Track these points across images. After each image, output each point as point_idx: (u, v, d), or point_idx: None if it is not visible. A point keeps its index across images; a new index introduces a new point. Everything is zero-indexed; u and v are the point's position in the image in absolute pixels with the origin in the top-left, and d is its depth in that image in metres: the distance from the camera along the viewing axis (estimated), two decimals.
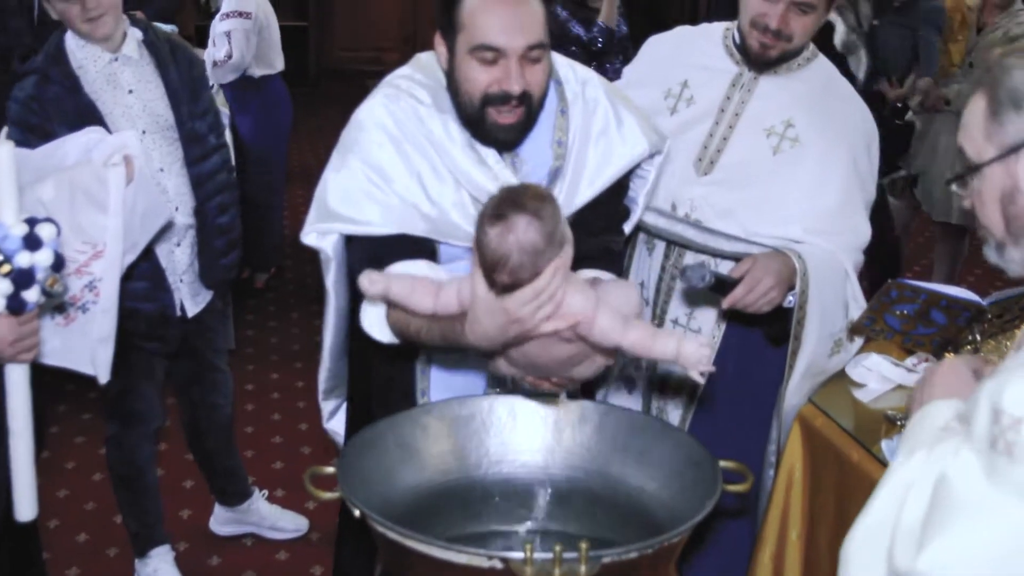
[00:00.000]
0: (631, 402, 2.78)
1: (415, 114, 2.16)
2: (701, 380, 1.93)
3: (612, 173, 2.28)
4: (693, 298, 2.64)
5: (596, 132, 2.25)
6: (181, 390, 3.49)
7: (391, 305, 2.06)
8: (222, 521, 3.72)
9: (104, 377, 2.53)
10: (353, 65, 11.63)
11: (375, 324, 2.15)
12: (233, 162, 3.45)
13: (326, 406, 2.60)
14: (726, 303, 2.37)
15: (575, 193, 2.24)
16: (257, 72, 5.67)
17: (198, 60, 3.27)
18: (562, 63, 2.28)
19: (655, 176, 2.40)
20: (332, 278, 2.31)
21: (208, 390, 3.43)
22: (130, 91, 3.02)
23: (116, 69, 3.00)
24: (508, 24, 2.01)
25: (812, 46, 2.61)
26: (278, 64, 5.81)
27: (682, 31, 2.80)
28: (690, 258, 2.61)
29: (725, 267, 2.56)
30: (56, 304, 2.30)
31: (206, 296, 3.24)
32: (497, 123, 2.09)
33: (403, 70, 2.28)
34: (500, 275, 1.84)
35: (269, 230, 5.98)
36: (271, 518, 3.70)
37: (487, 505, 2.33)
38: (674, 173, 2.56)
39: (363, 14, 11.78)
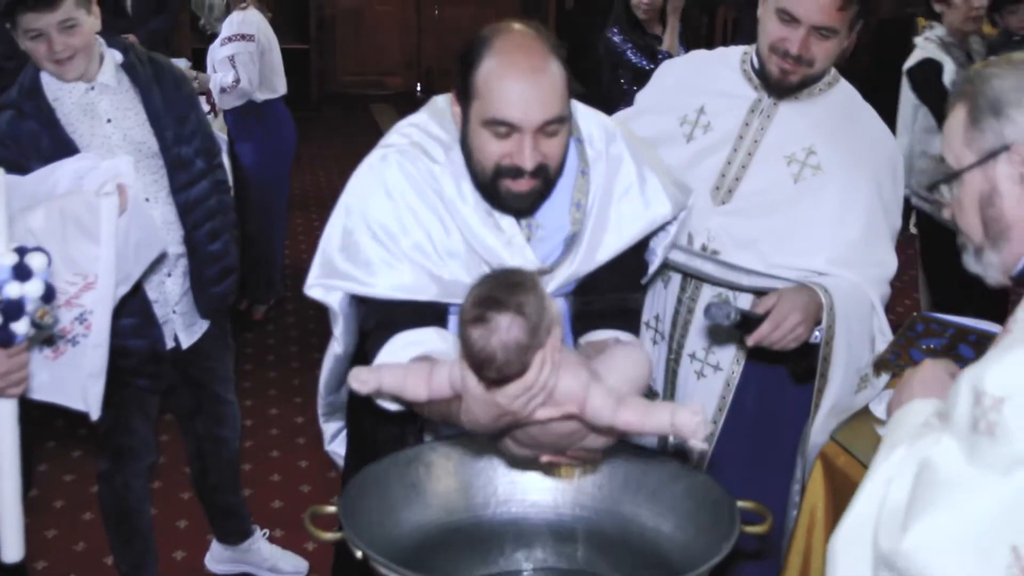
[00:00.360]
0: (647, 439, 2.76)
1: (428, 172, 2.14)
2: (701, 446, 1.90)
3: (632, 235, 2.27)
4: (715, 335, 2.62)
5: (619, 192, 2.24)
6: (184, 423, 3.47)
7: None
8: (219, 559, 3.70)
9: (95, 413, 2.52)
10: (356, 89, 11.71)
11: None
12: (232, 190, 3.45)
13: (327, 428, 2.59)
14: (751, 340, 2.36)
15: (593, 254, 2.24)
16: (260, 96, 5.69)
17: (186, 80, 3.23)
18: (587, 117, 2.26)
19: (677, 230, 2.40)
20: (340, 329, 2.31)
21: (213, 423, 3.41)
22: (108, 120, 2.97)
23: (93, 99, 2.96)
24: (524, 98, 1.98)
25: (834, 70, 2.59)
26: (280, 88, 5.84)
27: (698, 55, 2.80)
28: (708, 291, 2.60)
29: (744, 301, 2.55)
30: (45, 337, 2.29)
31: (202, 326, 3.23)
32: (511, 191, 2.07)
33: (419, 117, 2.26)
34: (487, 373, 1.84)
35: (269, 261, 5.99)
36: (271, 559, 3.68)
37: (494, 546, 2.32)
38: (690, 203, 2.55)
39: (366, 37, 11.84)
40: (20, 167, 2.76)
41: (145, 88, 3.01)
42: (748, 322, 2.35)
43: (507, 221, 2.16)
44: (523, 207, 2.12)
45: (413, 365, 2.02)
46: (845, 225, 2.53)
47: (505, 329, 1.81)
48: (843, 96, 2.63)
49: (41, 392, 2.45)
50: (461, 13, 11.65)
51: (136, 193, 2.61)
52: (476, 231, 2.13)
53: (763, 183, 2.54)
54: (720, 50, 2.75)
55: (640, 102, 2.78)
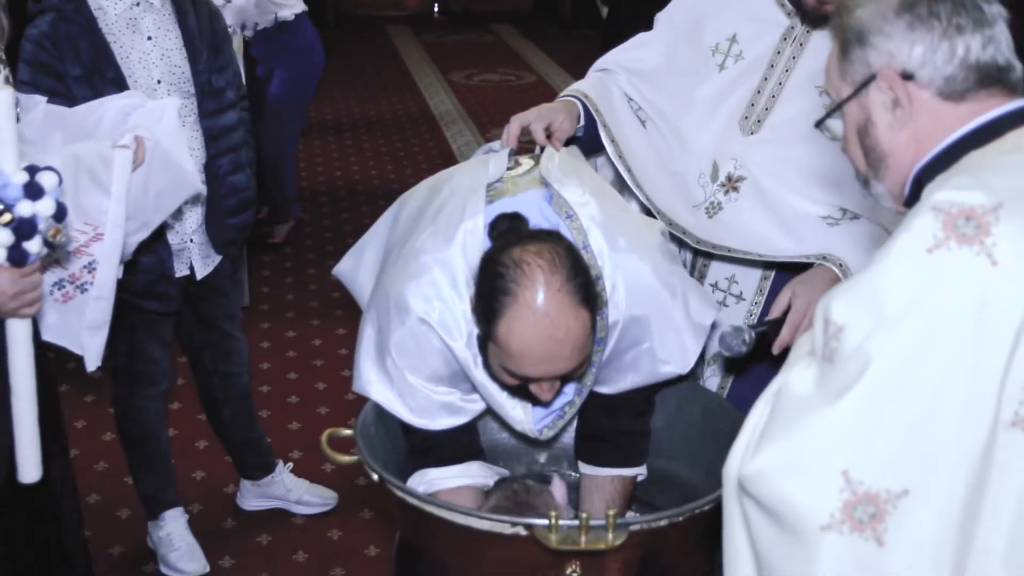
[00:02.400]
0: None
1: (448, 348, 2.07)
2: None
3: (636, 385, 2.21)
4: (733, 363, 2.57)
5: (633, 347, 2.15)
6: (194, 357, 3.48)
7: None
8: (248, 496, 3.71)
9: (92, 365, 2.50)
10: (372, 11, 11.64)
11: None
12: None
13: None
14: (776, 349, 2.29)
15: (598, 388, 2.21)
16: (285, 13, 5.63)
17: (219, 13, 3.24)
18: (615, 276, 2.10)
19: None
20: None
21: (221, 358, 3.42)
22: (149, 37, 2.99)
23: (137, 14, 2.98)
24: (544, 362, 1.91)
25: None
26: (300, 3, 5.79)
27: None
28: (716, 267, 2.56)
29: (751, 278, 2.53)
30: (57, 257, 2.29)
31: (216, 258, 3.22)
32: (528, 397, 2.06)
33: (460, 277, 2.07)
34: None
35: (281, 183, 5.98)
36: (297, 492, 3.69)
37: (511, 468, 2.37)
38: (714, 130, 2.49)
39: None
40: (57, 74, 2.80)
41: (183, 13, 3.04)
42: (766, 336, 2.28)
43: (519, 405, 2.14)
44: (538, 404, 2.10)
45: None
46: None
47: None
48: None
49: (49, 333, 2.45)
50: None
51: (173, 138, 2.60)
52: (488, 393, 2.11)
53: (794, 113, 2.46)
54: None
55: (666, 21, 2.64)
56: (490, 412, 2.22)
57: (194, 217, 3.12)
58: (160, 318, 3.17)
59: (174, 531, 3.39)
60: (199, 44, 3.05)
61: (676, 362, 2.17)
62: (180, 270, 3.13)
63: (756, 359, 2.46)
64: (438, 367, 2.10)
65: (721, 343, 2.23)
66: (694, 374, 2.42)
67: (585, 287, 1.92)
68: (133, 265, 2.86)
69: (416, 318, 2.05)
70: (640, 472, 2.29)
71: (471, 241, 2.04)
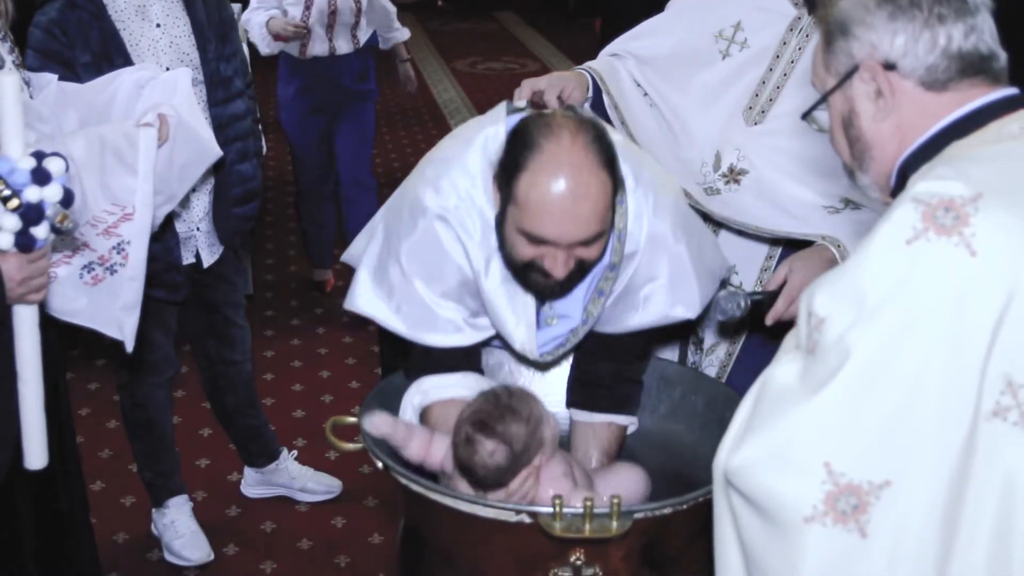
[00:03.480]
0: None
1: (464, 246, 2.10)
2: None
3: (643, 325, 2.21)
4: (726, 328, 2.57)
5: (648, 282, 2.16)
6: (197, 345, 3.50)
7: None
8: (251, 483, 3.73)
9: (130, 345, 2.52)
10: None
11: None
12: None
13: None
14: (770, 320, 2.29)
15: (602, 326, 2.22)
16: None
17: (226, 2, 3.24)
18: (639, 206, 2.13)
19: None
20: None
21: (225, 346, 3.43)
22: (158, 25, 3.00)
23: (146, 2, 2.99)
24: (561, 221, 1.91)
25: None
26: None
27: None
28: (723, 234, 2.56)
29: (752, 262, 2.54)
30: (66, 243, 2.29)
31: (219, 245, 3.23)
32: (539, 282, 2.03)
33: (474, 162, 2.11)
34: (469, 480, 2.00)
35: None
36: (301, 479, 3.70)
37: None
38: (717, 119, 2.49)
39: None
40: (65, 59, 2.81)
41: (192, 1, 3.05)
42: (761, 305, 2.29)
43: (527, 303, 2.12)
44: (549, 297, 2.10)
45: (419, 429, 2.12)
46: None
47: (488, 454, 1.96)
48: None
49: (79, 317, 2.46)
50: None
51: (189, 108, 2.60)
52: (495, 307, 2.12)
53: (799, 105, 2.43)
54: None
55: (679, 6, 2.65)
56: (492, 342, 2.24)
57: (201, 206, 3.13)
58: (165, 306, 3.18)
59: (178, 519, 3.40)
60: (208, 32, 3.06)
61: (687, 305, 2.19)
62: (187, 258, 3.14)
63: (751, 329, 2.49)
64: (449, 274, 2.12)
65: (716, 307, 2.25)
66: (700, 345, 2.45)
67: (609, 154, 1.95)
68: None
69: (433, 215, 2.09)
70: (632, 422, 2.29)
71: (492, 144, 2.06)
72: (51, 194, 2.00)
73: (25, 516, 2.53)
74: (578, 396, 2.31)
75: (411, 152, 7.47)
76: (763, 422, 1.48)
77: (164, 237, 2.97)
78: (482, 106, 8.49)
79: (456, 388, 2.16)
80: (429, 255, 2.11)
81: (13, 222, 1.98)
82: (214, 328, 3.39)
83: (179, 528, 3.39)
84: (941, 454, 1.38)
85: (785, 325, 2.36)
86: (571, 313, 2.16)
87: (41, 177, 1.99)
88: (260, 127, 3.43)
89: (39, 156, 2.00)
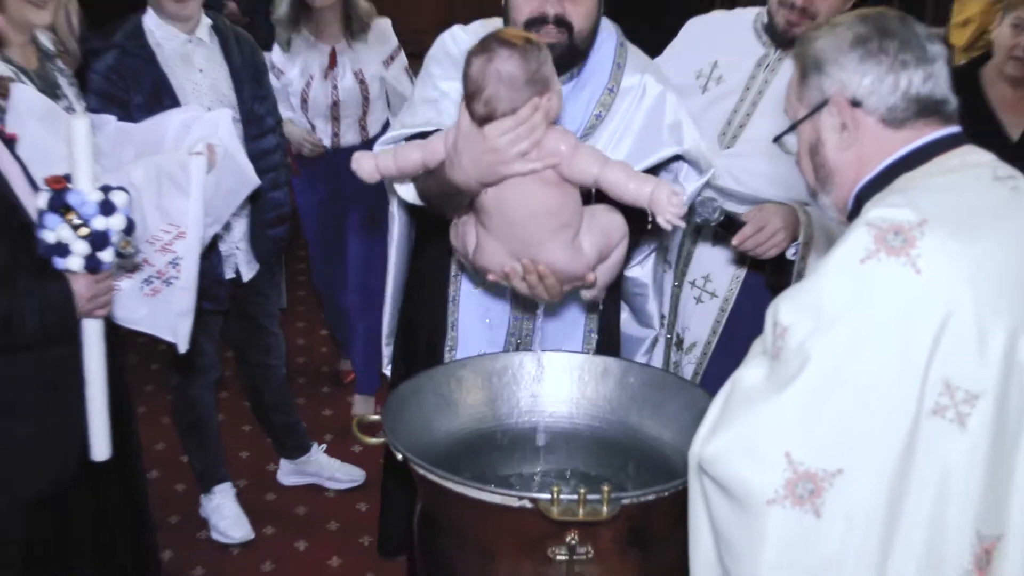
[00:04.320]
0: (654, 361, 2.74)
1: (456, 45, 2.16)
2: (668, 227, 1.84)
3: (653, 160, 2.19)
4: (703, 261, 2.58)
5: (650, 123, 2.18)
6: (239, 352, 3.50)
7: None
8: (287, 472, 3.72)
9: (184, 346, 2.52)
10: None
11: (408, 193, 2.14)
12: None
13: (387, 351, 2.55)
14: (735, 240, 2.32)
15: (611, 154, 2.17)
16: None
17: (259, 49, 3.25)
18: (636, 55, 2.22)
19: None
20: (395, 204, 2.34)
21: (263, 352, 3.42)
22: (200, 70, 3.02)
23: (190, 50, 3.01)
24: None
25: None
26: None
27: (717, 15, 2.74)
28: (709, 229, 2.56)
29: (724, 276, 2.55)
30: (128, 266, 2.30)
31: (255, 263, 3.23)
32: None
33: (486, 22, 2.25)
34: (478, 104, 1.81)
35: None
36: (329, 469, 3.69)
37: (516, 450, 2.32)
38: None
39: (405, 2, 11.80)
40: (121, 101, 2.83)
41: (229, 49, 3.07)
42: (732, 223, 2.31)
43: None
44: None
45: (404, 143, 2.04)
46: None
47: (503, 59, 1.78)
48: None
49: (141, 324, 2.47)
50: None
51: (231, 142, 2.61)
52: None
53: (764, 130, 2.47)
54: (737, 10, 2.67)
55: (666, 53, 2.70)
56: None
57: (240, 228, 3.13)
58: (211, 317, 3.18)
59: (223, 503, 3.40)
60: (243, 76, 3.07)
61: (680, 139, 2.21)
62: (228, 274, 3.14)
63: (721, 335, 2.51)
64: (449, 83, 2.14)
65: (695, 211, 2.26)
66: (677, 348, 2.47)
67: None
68: None
69: (449, 32, 2.19)
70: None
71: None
72: (116, 223, 2.01)
73: (92, 502, 2.53)
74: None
75: None
76: (732, 417, 1.49)
77: (210, 256, 2.98)
78: None
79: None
80: (450, 59, 2.15)
81: (83, 247, 1.99)
82: (253, 336, 3.39)
83: (224, 511, 3.38)
84: (888, 447, 1.39)
85: (753, 332, 2.38)
86: (577, 115, 2.16)
87: (107, 208, 2.00)
88: (289, 159, 3.44)
89: (106, 189, 2.01)
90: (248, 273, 3.20)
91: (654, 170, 2.20)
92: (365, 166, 1.98)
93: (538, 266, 1.92)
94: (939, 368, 1.38)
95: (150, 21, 2.97)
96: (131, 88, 2.87)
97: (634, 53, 2.24)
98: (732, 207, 2.48)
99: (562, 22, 2.04)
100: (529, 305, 2.24)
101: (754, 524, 1.43)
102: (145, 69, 2.90)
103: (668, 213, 1.80)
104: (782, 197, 2.45)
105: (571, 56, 2.10)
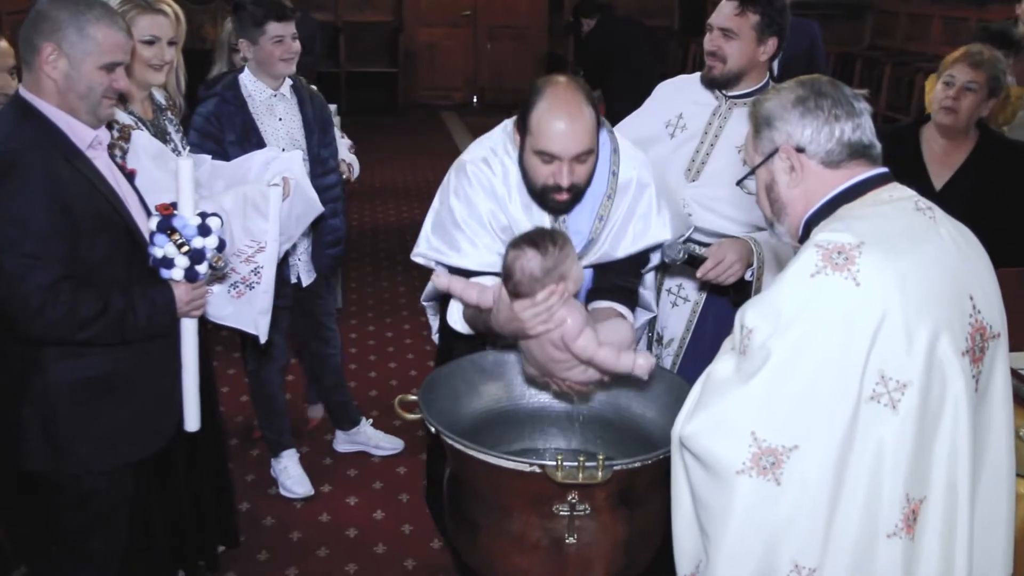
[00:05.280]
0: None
1: (489, 181, 2.15)
2: (644, 378, 1.99)
3: (642, 246, 2.26)
4: (675, 270, 2.60)
5: (639, 213, 2.21)
6: (303, 344, 3.51)
7: (465, 305, 2.14)
8: (341, 442, 3.71)
9: (264, 338, 2.55)
10: (430, 100, 11.63)
11: (455, 318, 2.21)
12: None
13: (433, 323, 2.58)
14: (699, 273, 2.33)
15: (611, 253, 2.23)
16: None
17: (327, 106, 3.27)
18: (628, 158, 2.23)
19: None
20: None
21: (322, 344, 3.44)
22: (280, 119, 3.05)
23: (274, 102, 3.04)
24: (563, 137, 1.98)
25: (770, 82, 2.53)
26: None
27: (681, 78, 2.75)
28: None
29: (693, 286, 2.56)
30: (219, 276, 2.32)
31: (314, 273, 3.26)
32: (554, 199, 2.09)
33: (492, 138, 2.22)
34: (509, 285, 1.93)
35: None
36: (375, 439, 3.69)
37: (526, 427, 2.34)
38: (669, 182, 2.52)
39: (439, 62, 11.76)
40: (218, 140, 2.89)
41: (304, 104, 3.10)
42: (695, 260, 2.33)
43: (543, 218, 2.16)
44: (560, 209, 2.14)
45: (474, 281, 2.10)
46: None
47: (528, 258, 1.89)
48: None
49: (228, 320, 2.49)
50: (505, 47, 11.65)
51: (302, 177, 2.65)
52: (520, 224, 2.14)
53: (721, 165, 2.51)
54: (696, 73, 2.68)
55: (643, 108, 2.73)
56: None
57: (303, 244, 3.17)
58: (280, 313, 3.21)
59: (289, 465, 3.41)
60: (313, 126, 3.09)
61: (666, 229, 2.25)
62: (292, 279, 3.18)
63: (695, 332, 2.51)
64: (483, 209, 2.14)
65: (664, 252, 2.29)
66: (658, 343, 2.48)
67: (591, 99, 2.02)
68: None
69: (466, 164, 2.15)
70: (627, 314, 2.26)
71: (508, 125, 2.15)
72: (211, 242, 2.04)
73: (184, 466, 2.56)
74: (593, 296, 2.30)
75: None
76: (707, 402, 1.49)
77: (280, 264, 3.02)
78: None
79: (486, 280, 2.16)
80: (469, 193, 2.14)
81: (184, 261, 2.02)
82: (314, 330, 3.41)
83: (290, 472, 3.40)
84: (834, 426, 1.40)
85: (717, 330, 2.40)
86: (581, 230, 2.19)
87: (204, 230, 2.02)
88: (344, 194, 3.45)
89: (203, 215, 2.03)
90: (307, 280, 3.23)
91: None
92: (441, 282, 2.09)
93: (563, 383, 2.06)
94: (875, 361, 1.39)
95: (245, 77, 3.02)
96: (225, 128, 2.91)
97: (625, 154, 2.23)
98: (698, 236, 2.50)
99: (571, 187, 2.06)
100: None
101: (726, 490, 1.44)
102: (237, 114, 2.95)
103: (644, 373, 1.94)
104: (741, 217, 2.47)
105: (576, 202, 2.13)
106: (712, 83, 2.50)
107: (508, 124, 2.21)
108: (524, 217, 2.15)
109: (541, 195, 2.08)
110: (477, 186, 2.14)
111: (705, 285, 2.51)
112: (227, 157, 2.82)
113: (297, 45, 2.98)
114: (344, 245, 3.36)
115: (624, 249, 2.24)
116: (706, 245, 2.48)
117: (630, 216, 2.22)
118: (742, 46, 2.42)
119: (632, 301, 2.33)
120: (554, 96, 1.99)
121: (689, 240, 2.47)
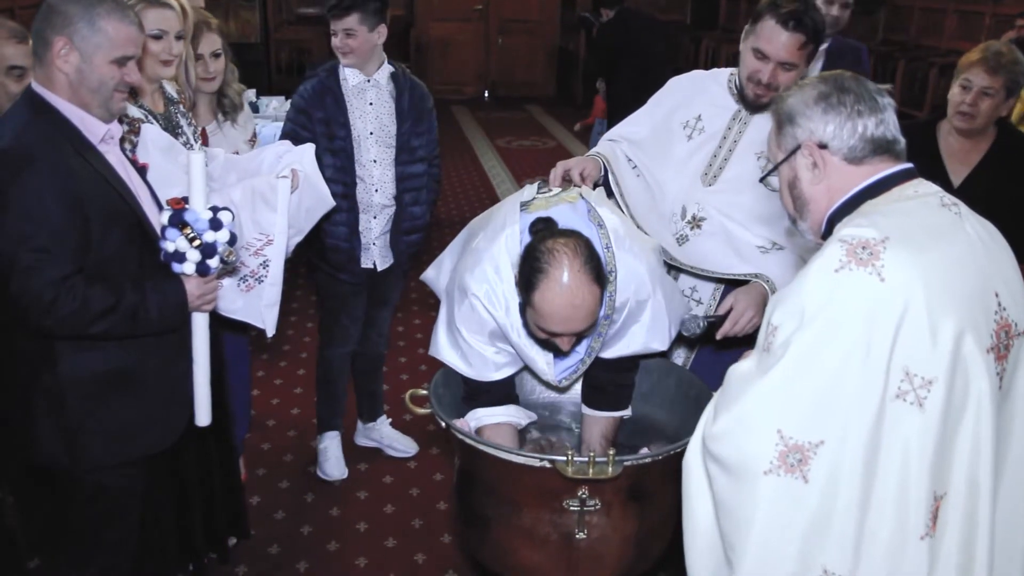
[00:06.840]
0: None
1: (494, 319, 2.11)
2: None
3: (634, 351, 2.22)
4: (692, 341, 2.56)
5: (636, 323, 2.17)
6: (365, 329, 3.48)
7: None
8: (359, 435, 3.70)
9: (272, 331, 2.54)
10: (442, 95, 11.64)
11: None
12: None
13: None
14: (720, 335, 2.30)
15: (604, 352, 2.21)
16: None
17: (429, 97, 3.27)
18: (631, 275, 2.12)
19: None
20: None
21: (374, 328, 3.44)
22: (370, 103, 3.11)
23: (365, 87, 3.10)
24: (564, 322, 1.93)
25: None
26: None
27: (698, 74, 2.69)
28: (684, 279, 2.55)
29: (707, 289, 2.53)
30: (230, 270, 2.32)
31: (390, 259, 3.26)
32: (552, 349, 2.07)
33: (497, 260, 2.11)
34: None
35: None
36: (390, 439, 3.67)
37: (538, 421, 2.34)
38: (683, 182, 2.49)
39: (450, 56, 11.80)
40: (308, 114, 3.04)
41: (400, 92, 3.14)
42: (713, 326, 2.30)
43: (546, 358, 2.14)
44: (559, 356, 2.13)
45: (492, 428, 2.16)
46: None
47: None
48: None
49: (237, 314, 2.48)
50: (516, 41, 11.72)
51: (312, 170, 2.64)
52: (523, 352, 2.13)
53: (739, 171, 2.47)
54: (714, 71, 2.63)
55: (656, 101, 2.67)
56: (525, 369, 2.23)
57: (379, 227, 3.19)
58: (354, 300, 3.26)
59: (330, 446, 3.46)
60: (406, 115, 3.13)
61: (660, 340, 2.19)
62: (366, 262, 3.20)
63: (704, 343, 2.46)
64: (489, 331, 2.12)
65: (682, 326, 2.25)
66: (666, 354, 2.44)
67: (597, 270, 1.93)
68: (336, 246, 3.12)
69: (472, 295, 2.09)
70: (626, 413, 2.29)
71: (510, 242, 2.08)
72: (222, 237, 2.03)
73: (194, 459, 2.56)
74: (588, 398, 2.31)
75: (465, 203, 7.44)
76: (730, 400, 1.48)
77: (351, 240, 3.12)
78: (515, 171, 8.50)
79: (500, 417, 2.18)
80: (473, 318, 2.11)
81: (195, 255, 2.02)
82: (372, 313, 3.39)
83: (328, 453, 3.45)
84: (861, 423, 1.38)
85: (726, 340, 2.39)
86: (578, 350, 2.16)
87: (216, 225, 2.02)
88: (438, 185, 3.42)
89: (215, 210, 2.03)
90: (382, 265, 3.24)
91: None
92: (464, 428, 2.10)
93: None
94: (899, 358, 1.37)
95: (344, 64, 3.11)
96: (316, 106, 3.03)
97: (623, 274, 2.11)
98: (697, 283, 2.48)
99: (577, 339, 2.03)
100: None
101: (752, 493, 1.42)
102: (330, 95, 3.05)
103: None
104: (757, 225, 2.41)
105: (579, 343, 2.10)
106: (756, 109, 2.45)
107: (509, 240, 2.10)
108: (528, 347, 2.11)
109: (540, 342, 2.07)
110: (482, 317, 2.11)
111: (721, 281, 2.48)
112: (313, 133, 2.96)
113: (352, 42, 3.01)
114: (423, 234, 3.34)
115: (617, 352, 2.21)
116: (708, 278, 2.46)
117: (628, 324, 2.17)
118: (797, 74, 2.34)
119: (627, 398, 2.32)
120: (558, 284, 1.90)
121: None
